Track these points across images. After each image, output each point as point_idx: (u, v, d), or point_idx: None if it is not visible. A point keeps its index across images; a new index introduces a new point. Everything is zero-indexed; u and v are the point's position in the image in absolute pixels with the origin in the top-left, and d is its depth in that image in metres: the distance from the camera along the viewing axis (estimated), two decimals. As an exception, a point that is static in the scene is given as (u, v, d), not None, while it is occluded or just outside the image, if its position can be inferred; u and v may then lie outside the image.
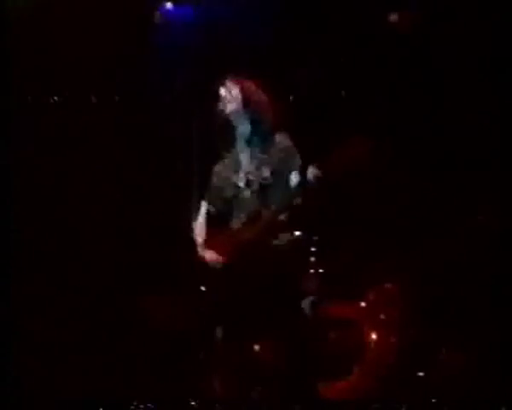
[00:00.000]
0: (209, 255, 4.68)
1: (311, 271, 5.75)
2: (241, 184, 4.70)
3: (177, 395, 5.12)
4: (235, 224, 4.68)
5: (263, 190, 4.65)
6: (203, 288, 4.76)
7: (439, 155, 6.02)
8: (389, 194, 6.01)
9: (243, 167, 4.71)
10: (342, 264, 5.85)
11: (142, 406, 4.98)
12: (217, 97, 4.75)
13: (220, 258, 4.64)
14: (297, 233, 4.83)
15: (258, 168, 4.68)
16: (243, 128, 4.72)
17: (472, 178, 5.90)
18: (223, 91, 4.74)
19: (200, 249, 4.74)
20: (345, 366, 5.49)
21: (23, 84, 6.00)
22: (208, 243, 4.73)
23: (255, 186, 4.67)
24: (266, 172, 4.66)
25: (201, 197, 4.89)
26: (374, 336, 5.57)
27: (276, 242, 4.65)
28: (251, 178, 4.68)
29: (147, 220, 6.13)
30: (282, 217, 4.62)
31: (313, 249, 5.78)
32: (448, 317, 5.61)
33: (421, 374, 5.47)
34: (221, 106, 4.74)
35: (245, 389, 4.75)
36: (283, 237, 4.68)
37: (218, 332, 4.75)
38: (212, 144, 4.92)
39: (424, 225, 5.94)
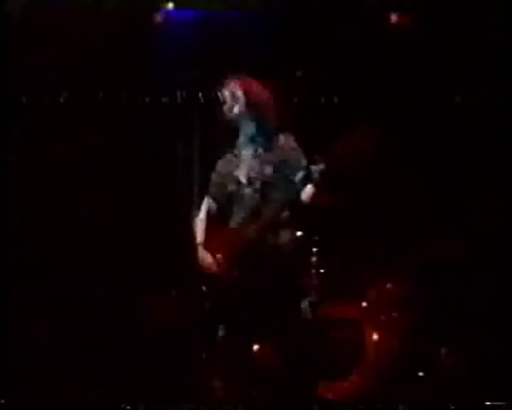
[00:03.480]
0: (210, 253, 4.68)
1: (312, 270, 5.75)
2: (243, 180, 4.71)
3: (176, 396, 5.12)
4: (236, 221, 4.69)
5: (264, 187, 4.66)
6: (203, 286, 4.76)
7: (440, 155, 6.03)
8: (390, 193, 6.01)
9: (246, 165, 4.72)
10: (342, 264, 5.85)
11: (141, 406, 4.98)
12: (220, 98, 4.75)
13: (221, 255, 4.65)
14: (298, 233, 4.84)
15: (260, 166, 4.69)
16: (246, 127, 4.73)
17: (474, 178, 5.90)
18: (226, 91, 4.75)
19: (200, 247, 4.75)
20: (345, 366, 5.49)
21: (21, 84, 6.00)
22: (209, 241, 4.73)
23: (257, 184, 4.68)
24: (268, 171, 4.67)
25: (203, 194, 4.90)
26: (374, 336, 5.57)
27: (276, 240, 4.65)
28: (253, 175, 4.69)
29: (147, 219, 6.12)
30: (282, 215, 4.63)
31: (314, 249, 5.79)
32: (448, 317, 5.61)
33: (421, 374, 5.48)
34: (224, 106, 4.75)
35: (245, 390, 4.75)
36: (284, 236, 4.68)
37: (218, 332, 4.75)
38: (215, 143, 4.93)
39: (424, 225, 5.95)
